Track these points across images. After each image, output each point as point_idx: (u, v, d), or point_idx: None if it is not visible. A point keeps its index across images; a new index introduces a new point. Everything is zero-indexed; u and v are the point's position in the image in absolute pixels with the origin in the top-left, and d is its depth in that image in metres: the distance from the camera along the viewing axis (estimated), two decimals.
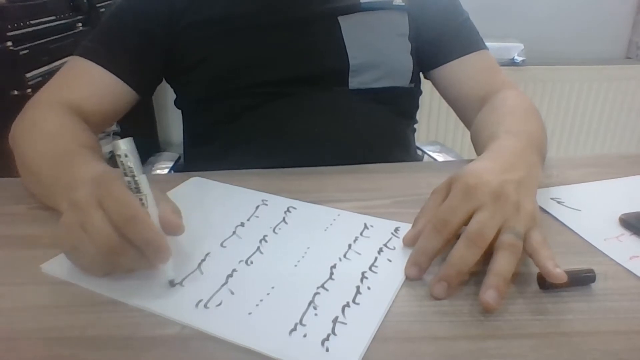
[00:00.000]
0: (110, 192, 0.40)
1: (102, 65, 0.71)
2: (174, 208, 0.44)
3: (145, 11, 0.74)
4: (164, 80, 0.82)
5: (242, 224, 0.53)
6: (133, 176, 0.41)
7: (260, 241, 0.50)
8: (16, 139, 0.63)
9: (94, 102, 0.70)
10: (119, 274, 0.43)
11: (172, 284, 0.43)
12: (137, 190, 0.41)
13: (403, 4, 0.79)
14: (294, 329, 0.38)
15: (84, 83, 0.71)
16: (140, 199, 0.41)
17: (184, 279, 0.44)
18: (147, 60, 0.75)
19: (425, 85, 0.86)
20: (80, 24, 1.57)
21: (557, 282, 0.40)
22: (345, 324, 0.38)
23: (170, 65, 0.78)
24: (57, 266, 0.46)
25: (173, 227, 0.42)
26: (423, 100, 0.88)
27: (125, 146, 0.41)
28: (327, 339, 0.37)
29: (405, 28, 0.79)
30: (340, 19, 0.75)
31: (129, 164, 0.41)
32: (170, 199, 0.46)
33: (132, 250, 0.40)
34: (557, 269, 0.40)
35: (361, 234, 0.51)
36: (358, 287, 0.42)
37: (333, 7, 0.76)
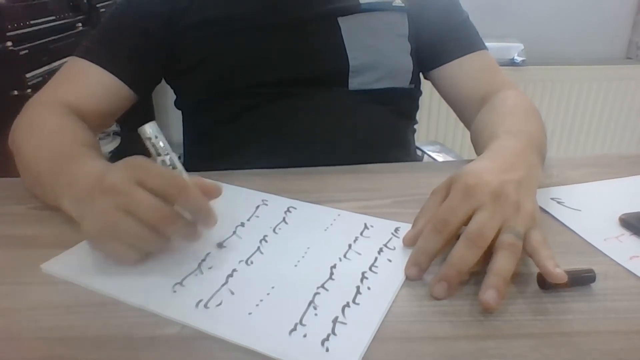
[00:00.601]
0: (150, 171, 0.42)
1: (100, 65, 0.71)
2: (202, 180, 0.46)
3: (144, 12, 0.74)
4: (163, 81, 0.82)
5: (242, 224, 0.53)
6: (167, 154, 0.45)
7: (261, 241, 0.50)
8: (15, 139, 0.63)
9: (92, 101, 0.70)
10: (153, 256, 0.45)
11: (220, 246, 0.47)
12: (174, 166, 0.45)
13: (403, 4, 0.79)
14: (294, 329, 0.38)
15: (82, 83, 0.71)
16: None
17: (184, 278, 0.44)
18: (146, 61, 0.75)
19: (425, 85, 0.86)
20: (80, 24, 1.57)
21: (557, 282, 0.40)
22: (345, 324, 0.38)
23: (171, 66, 0.78)
24: (57, 266, 0.46)
25: (212, 191, 0.45)
26: (423, 101, 0.88)
27: (152, 129, 0.44)
28: (327, 339, 0.37)
29: (404, 29, 0.79)
30: (340, 19, 0.75)
31: (160, 144, 0.44)
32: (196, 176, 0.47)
33: (181, 220, 0.42)
34: (557, 269, 0.40)
35: (361, 234, 0.51)
36: (358, 287, 0.42)
37: (333, 8, 0.76)
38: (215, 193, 0.45)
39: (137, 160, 0.43)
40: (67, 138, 0.60)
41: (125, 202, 0.41)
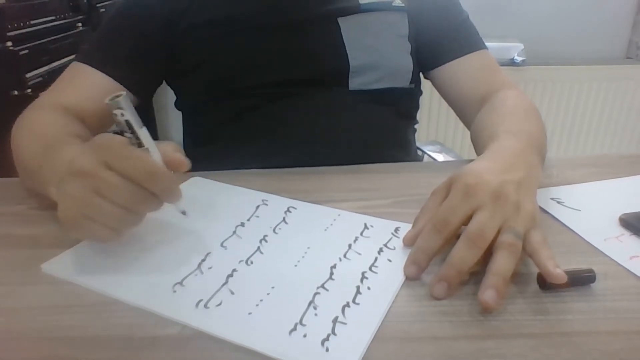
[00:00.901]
0: (118, 153, 0.41)
1: (100, 70, 0.71)
2: (174, 147, 0.46)
3: (143, 14, 0.75)
4: (163, 81, 0.82)
5: (243, 224, 0.53)
6: (133, 131, 0.43)
7: (261, 241, 0.50)
8: (13, 140, 0.63)
9: (92, 105, 0.70)
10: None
11: (184, 213, 0.47)
12: (140, 144, 0.43)
13: (402, 4, 0.79)
14: (294, 329, 0.38)
15: (82, 87, 0.71)
16: (146, 150, 0.43)
17: (184, 278, 0.44)
18: (146, 63, 0.75)
19: (426, 85, 0.87)
20: (80, 24, 1.57)
21: (558, 282, 0.40)
22: (345, 324, 0.38)
23: (171, 67, 0.78)
24: (58, 266, 0.46)
25: (179, 165, 0.45)
26: (423, 101, 0.88)
27: (120, 102, 0.42)
28: (327, 339, 0.37)
29: (404, 29, 0.79)
30: (340, 20, 0.75)
31: (126, 119, 0.42)
32: (167, 141, 0.47)
33: (152, 197, 0.43)
34: (558, 270, 0.40)
35: (361, 234, 0.51)
36: (358, 287, 0.42)
37: (333, 8, 0.76)
38: (183, 167, 0.46)
39: (105, 140, 0.43)
40: (57, 129, 0.61)
41: (95, 185, 0.41)
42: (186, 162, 0.46)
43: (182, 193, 0.45)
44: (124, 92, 0.43)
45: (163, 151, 0.45)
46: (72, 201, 0.42)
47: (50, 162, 0.51)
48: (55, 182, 0.48)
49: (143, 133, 0.43)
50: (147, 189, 0.42)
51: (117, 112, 0.42)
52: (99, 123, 0.72)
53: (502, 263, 0.41)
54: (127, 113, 0.42)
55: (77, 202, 0.42)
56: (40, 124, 0.63)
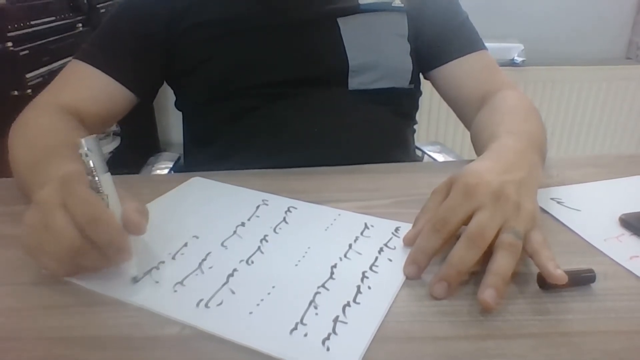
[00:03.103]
0: (73, 191, 0.40)
1: (98, 68, 0.71)
2: (138, 207, 0.43)
3: (143, 14, 0.75)
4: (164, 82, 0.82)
5: (243, 224, 0.53)
6: (94, 175, 0.41)
7: (261, 241, 0.50)
8: (10, 142, 0.63)
9: (90, 104, 0.70)
10: (82, 274, 0.43)
11: (135, 280, 0.43)
12: (98, 189, 0.41)
13: (402, 5, 0.79)
14: (295, 329, 0.38)
15: (81, 85, 0.71)
16: (103, 199, 0.41)
17: (185, 278, 0.44)
18: (146, 63, 0.75)
19: (426, 85, 0.87)
20: (80, 25, 1.57)
21: (558, 283, 0.40)
22: (345, 323, 0.38)
23: (171, 67, 0.78)
24: None
25: (135, 226, 0.42)
26: (423, 101, 0.88)
27: (86, 144, 0.41)
28: (327, 338, 0.37)
29: (404, 29, 0.79)
30: (340, 20, 0.75)
31: (90, 162, 0.41)
32: (135, 199, 0.44)
33: (95, 251, 0.40)
34: (558, 270, 0.40)
35: (362, 233, 0.51)
36: (359, 287, 0.42)
37: (332, 8, 0.76)
38: (138, 230, 0.42)
39: (70, 176, 0.42)
40: (50, 137, 0.59)
41: (47, 223, 0.40)
42: (144, 227, 0.42)
43: (133, 258, 0.42)
44: (94, 135, 0.42)
45: (126, 208, 0.42)
46: (28, 229, 0.42)
47: (37, 178, 0.50)
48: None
49: (105, 179, 0.42)
50: (91, 235, 0.39)
51: (82, 152, 0.41)
52: (100, 123, 0.72)
53: (502, 263, 0.41)
54: (93, 156, 0.41)
55: (31, 231, 0.41)
56: (36, 130, 0.62)
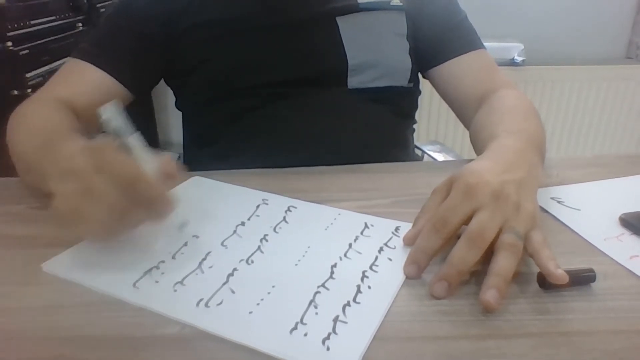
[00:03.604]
0: (107, 157, 0.42)
1: (95, 65, 0.72)
2: (168, 157, 0.46)
3: (141, 13, 0.75)
4: (164, 81, 0.82)
5: (243, 223, 0.53)
6: (122, 138, 0.43)
7: (261, 240, 0.50)
8: (9, 134, 0.63)
9: (86, 99, 0.70)
10: (126, 233, 0.45)
11: (183, 226, 0.46)
12: (129, 150, 0.43)
13: (401, 4, 0.79)
14: (295, 328, 0.38)
15: (76, 81, 0.72)
16: (136, 158, 0.43)
17: (185, 277, 0.44)
18: (143, 62, 0.75)
19: (426, 85, 0.87)
20: (80, 24, 1.57)
21: (559, 282, 0.40)
22: (346, 323, 0.38)
23: (170, 67, 0.78)
24: (57, 266, 0.46)
25: (171, 176, 0.45)
26: (423, 100, 0.88)
27: (108, 110, 0.42)
28: (327, 337, 0.37)
29: (403, 28, 0.79)
30: (339, 19, 0.75)
31: (115, 126, 0.43)
32: (162, 152, 0.47)
33: (139, 208, 0.42)
34: (559, 270, 0.40)
35: (362, 233, 0.51)
36: (359, 286, 0.42)
37: (331, 7, 0.76)
38: (174, 178, 0.46)
39: (99, 144, 0.43)
40: (54, 122, 0.61)
41: (87, 189, 0.41)
42: (177, 173, 0.46)
43: (179, 206, 0.43)
44: (113, 101, 0.44)
45: (156, 161, 0.45)
46: (64, 199, 0.43)
47: (51, 156, 0.51)
48: (55, 176, 0.48)
49: (133, 140, 0.43)
50: (132, 194, 0.41)
51: (106, 119, 0.42)
52: (91, 118, 0.72)
53: (503, 263, 0.41)
54: (116, 120, 0.43)
55: (69, 200, 0.42)
56: (37, 118, 0.64)
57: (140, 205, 0.42)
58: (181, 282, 0.43)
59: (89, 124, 0.72)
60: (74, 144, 0.48)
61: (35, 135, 0.59)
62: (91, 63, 0.72)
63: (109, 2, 1.72)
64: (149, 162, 0.44)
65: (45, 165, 0.51)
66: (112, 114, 0.42)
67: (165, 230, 0.48)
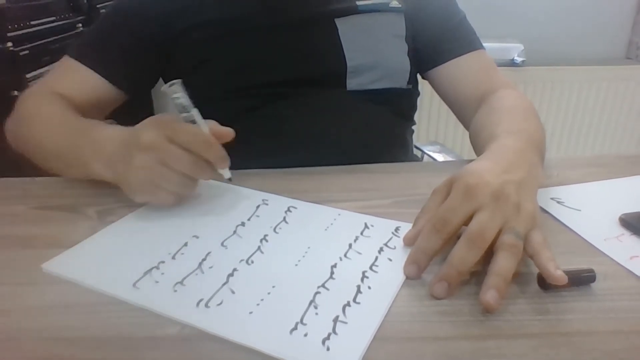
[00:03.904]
0: (176, 128, 0.50)
1: (88, 66, 0.72)
2: (216, 123, 0.55)
3: (138, 13, 0.75)
4: (162, 81, 0.82)
5: (243, 224, 0.53)
6: (188, 111, 0.52)
7: (261, 240, 0.50)
8: (16, 131, 0.64)
9: (78, 98, 0.71)
10: (188, 195, 0.54)
11: (230, 180, 0.55)
12: (194, 121, 0.52)
13: (399, 5, 0.79)
14: (295, 328, 0.38)
15: (71, 80, 0.73)
16: (199, 127, 0.52)
17: (185, 278, 0.44)
18: (139, 62, 0.75)
19: (426, 85, 0.87)
20: (80, 25, 1.57)
21: (558, 284, 0.40)
22: (346, 323, 0.38)
23: (168, 68, 0.78)
24: (58, 266, 0.46)
25: (225, 135, 0.54)
26: (423, 101, 0.88)
27: (177, 89, 0.52)
28: (327, 338, 0.37)
29: (402, 29, 0.79)
30: (337, 21, 0.75)
31: (182, 102, 0.52)
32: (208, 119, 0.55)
33: (208, 167, 0.52)
34: (558, 271, 0.40)
35: (362, 233, 0.51)
36: (359, 287, 0.42)
37: (330, 9, 0.76)
38: (228, 136, 0.54)
39: (164, 118, 0.52)
40: (72, 116, 0.65)
41: (161, 157, 0.49)
42: (230, 132, 0.54)
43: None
44: (179, 80, 0.52)
45: (210, 127, 0.53)
46: (142, 171, 0.50)
47: (90, 144, 0.56)
48: (100, 161, 0.55)
49: (195, 112, 0.52)
50: (203, 157, 0.50)
51: (175, 96, 0.52)
52: (88, 116, 0.73)
53: (503, 264, 0.41)
54: (182, 97, 0.52)
55: (146, 172, 0.50)
56: (43, 111, 0.66)
57: (208, 165, 0.51)
58: (181, 283, 0.43)
59: None
60: (112, 129, 0.56)
61: (61, 124, 0.63)
62: (83, 63, 0.73)
63: (109, 2, 1.72)
64: (207, 129, 0.52)
65: (84, 150, 0.57)
66: (180, 92, 0.52)
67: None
